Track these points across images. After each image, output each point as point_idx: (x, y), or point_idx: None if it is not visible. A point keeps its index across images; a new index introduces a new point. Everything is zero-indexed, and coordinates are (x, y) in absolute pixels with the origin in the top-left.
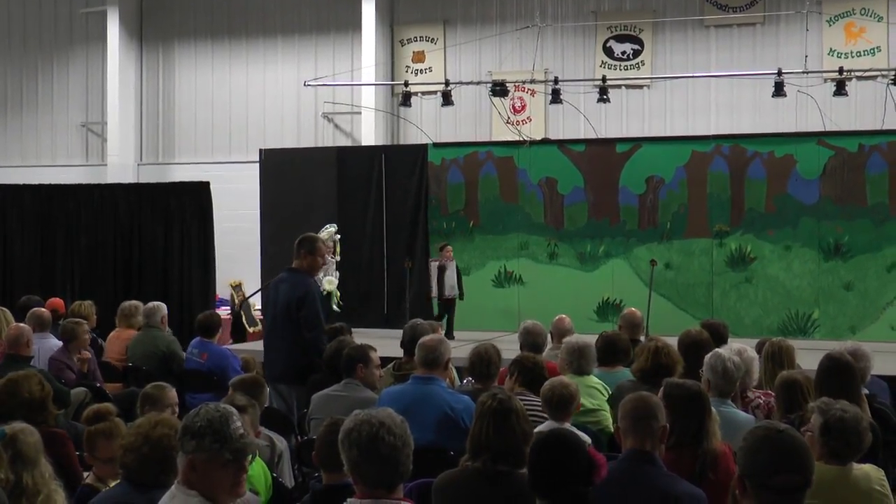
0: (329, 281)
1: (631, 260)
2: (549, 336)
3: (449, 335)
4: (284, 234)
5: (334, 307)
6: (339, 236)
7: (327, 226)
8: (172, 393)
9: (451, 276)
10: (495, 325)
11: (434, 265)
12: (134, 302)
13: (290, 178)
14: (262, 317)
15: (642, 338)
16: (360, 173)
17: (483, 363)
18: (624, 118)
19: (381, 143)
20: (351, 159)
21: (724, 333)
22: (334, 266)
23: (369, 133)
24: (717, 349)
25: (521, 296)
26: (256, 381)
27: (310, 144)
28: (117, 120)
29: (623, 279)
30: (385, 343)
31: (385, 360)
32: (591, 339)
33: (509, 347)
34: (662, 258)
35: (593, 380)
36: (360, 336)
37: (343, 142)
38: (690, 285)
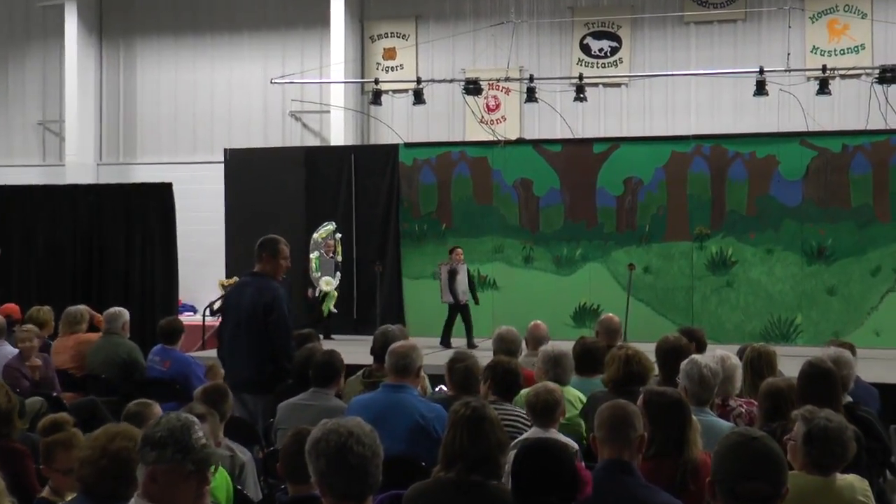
0: (327, 282)
1: (609, 264)
2: (523, 343)
3: (470, 344)
4: (250, 237)
5: (332, 309)
6: (339, 235)
7: (326, 223)
8: (157, 410)
9: (462, 281)
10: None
11: (444, 269)
12: (80, 307)
13: (256, 178)
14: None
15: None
16: (329, 174)
17: (460, 374)
18: (601, 117)
19: (350, 142)
20: (319, 159)
21: (704, 340)
22: (334, 266)
23: (338, 132)
24: (693, 355)
25: (496, 301)
26: (221, 390)
27: (277, 144)
28: (76, 118)
29: (600, 284)
30: (354, 350)
31: (354, 368)
32: (568, 346)
33: (483, 354)
34: (641, 262)
35: (570, 391)
36: (329, 343)
37: (311, 141)
38: (670, 290)
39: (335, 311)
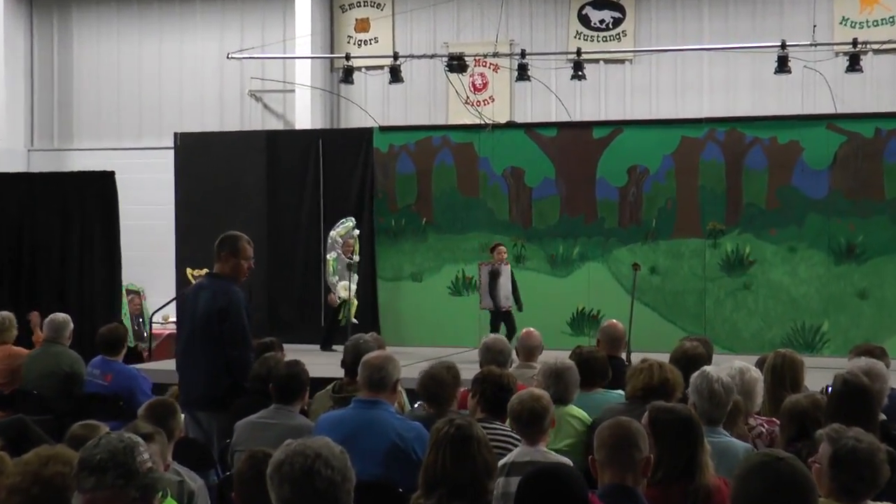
0: (344, 287)
1: (610, 263)
2: (514, 353)
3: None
4: (204, 234)
5: (353, 319)
6: (357, 232)
7: (344, 220)
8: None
9: (505, 284)
10: (452, 340)
11: (485, 270)
12: (6, 313)
13: (210, 167)
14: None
15: (623, 355)
16: (294, 161)
17: (434, 386)
18: (602, 98)
19: (318, 126)
20: (283, 145)
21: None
22: (353, 269)
23: (304, 114)
24: (705, 367)
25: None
26: (167, 406)
27: (234, 127)
28: (3, 98)
29: (601, 286)
30: (323, 361)
31: (322, 382)
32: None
33: (468, 366)
34: (647, 261)
35: (574, 410)
36: (294, 353)
37: (274, 124)
38: (679, 293)
39: (356, 321)
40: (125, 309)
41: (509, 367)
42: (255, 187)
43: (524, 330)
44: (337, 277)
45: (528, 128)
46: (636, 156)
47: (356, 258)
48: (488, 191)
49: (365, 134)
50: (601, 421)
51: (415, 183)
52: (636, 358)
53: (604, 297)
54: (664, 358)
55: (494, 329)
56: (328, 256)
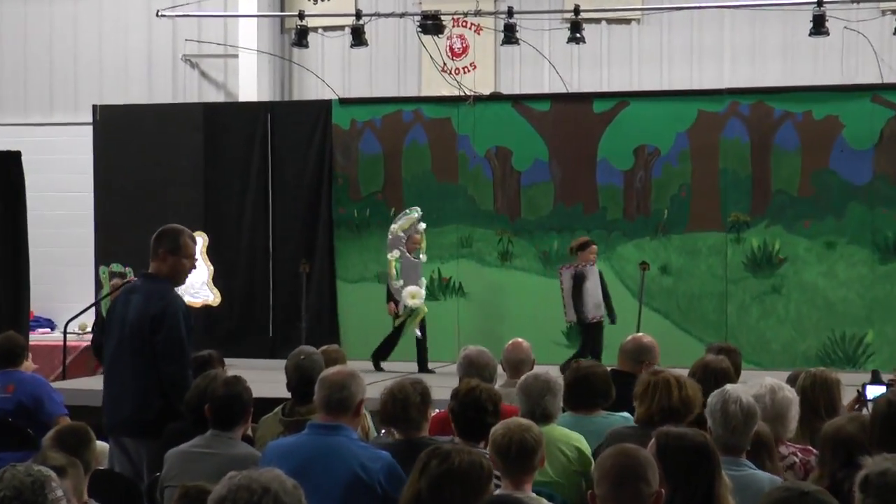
0: (413, 294)
1: (614, 262)
2: (499, 368)
3: None
4: (127, 225)
5: (417, 333)
6: (424, 226)
7: (408, 210)
8: None
9: (594, 289)
10: (428, 354)
11: (567, 274)
12: None
13: (136, 145)
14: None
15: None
16: (237, 140)
17: (397, 406)
18: (604, 65)
19: (265, 97)
20: (223, 120)
21: (738, 362)
22: (419, 269)
23: (249, 84)
24: (725, 386)
25: (462, 312)
26: (80, 433)
27: (166, 99)
28: None
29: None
30: (271, 378)
31: (271, 403)
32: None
33: (443, 385)
34: (657, 260)
35: (558, 432)
36: (237, 370)
37: (213, 96)
38: (696, 297)
39: (419, 334)
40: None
41: (494, 383)
42: (190, 170)
43: (510, 341)
44: (402, 282)
45: (517, 100)
46: (644, 134)
47: (423, 257)
48: (469, 175)
49: (322, 107)
50: (605, 448)
51: (381, 166)
52: None
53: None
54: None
55: (584, 348)
56: (389, 256)
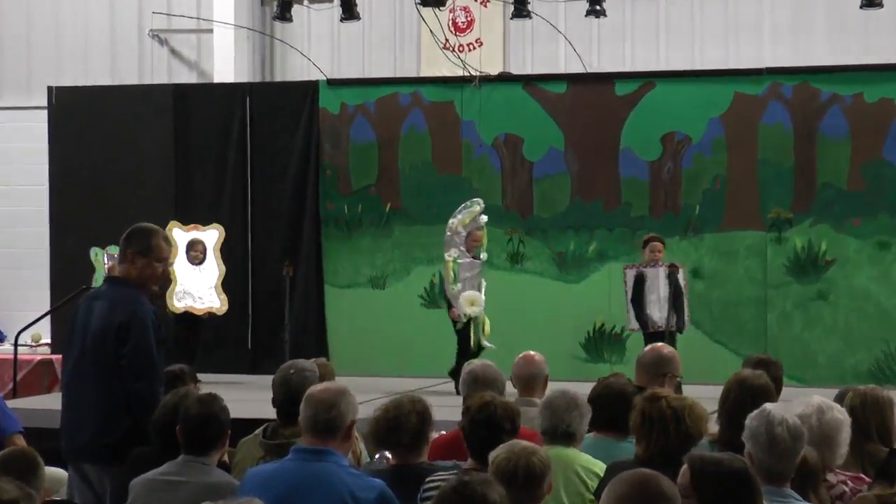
0: (471, 300)
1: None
2: (508, 385)
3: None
4: (87, 221)
5: (485, 343)
6: (485, 219)
7: (470, 202)
8: None
9: (655, 294)
10: (425, 367)
11: (630, 273)
12: None
13: (97, 131)
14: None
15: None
16: (211, 126)
17: (392, 428)
18: (628, 41)
19: (243, 78)
20: (196, 103)
21: (779, 377)
22: (479, 270)
23: (225, 63)
24: (766, 405)
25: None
26: (27, 458)
27: (130, 80)
28: None
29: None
30: (250, 396)
31: (250, 424)
32: (581, 389)
33: (446, 404)
34: (687, 262)
35: (583, 459)
36: (212, 387)
37: (184, 76)
38: (731, 304)
39: (490, 345)
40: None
41: None
42: (158, 161)
43: (521, 354)
44: (459, 286)
45: (528, 81)
46: (673, 119)
47: (484, 256)
48: (474, 166)
49: (308, 89)
50: (607, 481)
51: (375, 156)
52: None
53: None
54: (711, 392)
55: None
56: (447, 256)
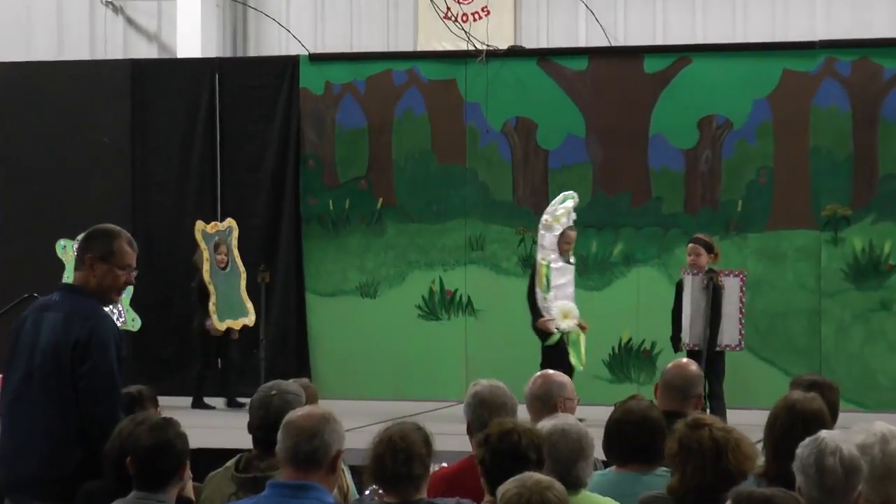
0: (566, 312)
1: (671, 268)
2: (521, 408)
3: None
4: (32, 216)
5: (577, 366)
6: (575, 216)
7: (563, 195)
8: None
9: (690, 305)
10: (424, 389)
11: (689, 279)
12: None
13: (43, 115)
14: None
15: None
16: (174, 108)
17: (399, 460)
18: (659, 10)
19: (212, 53)
20: (157, 81)
21: (835, 401)
22: (572, 276)
23: (191, 35)
24: (819, 433)
25: (472, 335)
26: None
27: (82, 55)
28: None
29: (656, 304)
30: (221, 422)
31: (221, 454)
32: (599, 414)
33: (447, 431)
34: (728, 266)
35: (591, 499)
36: (174, 412)
37: (143, 50)
38: (779, 315)
39: (580, 367)
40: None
41: None
42: (113, 148)
43: (538, 374)
44: (552, 294)
45: (543, 56)
46: (712, 101)
47: (573, 260)
48: (480, 155)
49: (287, 66)
50: None
51: (366, 143)
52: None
53: (661, 322)
54: (755, 418)
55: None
56: (540, 259)
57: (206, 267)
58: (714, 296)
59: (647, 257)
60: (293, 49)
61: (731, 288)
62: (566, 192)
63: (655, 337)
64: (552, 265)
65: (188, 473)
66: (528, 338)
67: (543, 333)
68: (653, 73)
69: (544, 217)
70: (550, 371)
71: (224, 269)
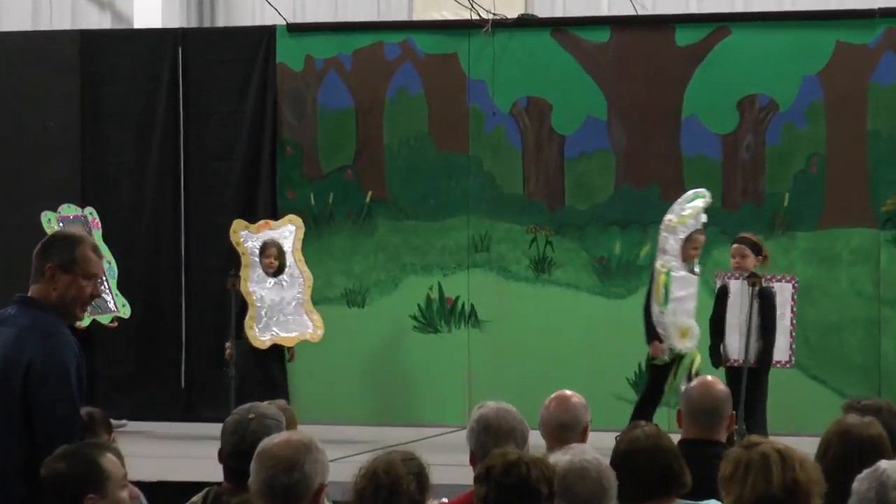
0: (684, 330)
1: (707, 273)
2: (531, 436)
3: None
4: None
5: (681, 385)
6: (705, 218)
7: (692, 192)
8: None
9: (733, 314)
10: (420, 413)
11: (719, 282)
12: None
13: None
14: None
15: (734, 438)
16: (131, 86)
17: (373, 496)
18: None
19: (174, 23)
20: (111, 57)
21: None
22: (695, 288)
23: (149, 2)
24: (879, 463)
25: (475, 350)
26: None
27: (23, 26)
28: None
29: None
30: (185, 452)
31: (186, 490)
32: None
33: (447, 461)
34: (774, 269)
35: None
36: (131, 438)
37: (94, 20)
38: (833, 327)
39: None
40: None
41: None
42: (60, 131)
43: (553, 395)
44: (671, 307)
45: (558, 27)
46: (754, 78)
47: (698, 269)
48: (485, 142)
49: (261, 38)
50: None
51: (353, 127)
52: None
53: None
54: (804, 446)
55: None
56: (659, 266)
57: (245, 274)
58: (766, 304)
59: None
60: (269, 19)
61: (783, 295)
62: (697, 190)
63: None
64: (673, 273)
65: None
66: (541, 353)
67: (653, 356)
68: (686, 46)
69: (668, 217)
70: (567, 391)
71: (275, 275)
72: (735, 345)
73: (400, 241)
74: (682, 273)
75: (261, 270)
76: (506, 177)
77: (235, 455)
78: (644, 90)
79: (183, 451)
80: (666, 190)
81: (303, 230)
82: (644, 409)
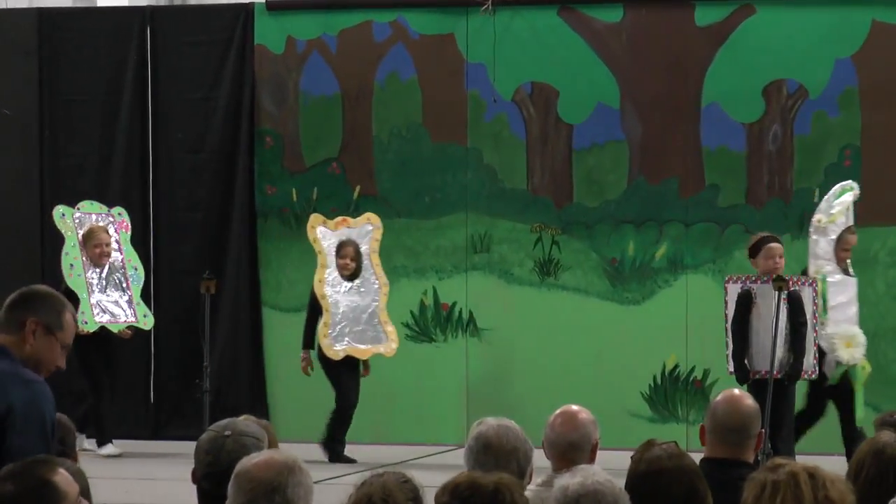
0: (849, 339)
1: (731, 274)
2: (535, 455)
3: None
4: None
5: (859, 414)
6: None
7: (840, 186)
8: None
9: (764, 322)
10: (414, 431)
11: (732, 289)
12: None
13: None
14: None
15: (759, 458)
16: (94, 70)
17: None
18: None
19: (142, 1)
20: (73, 37)
21: None
22: (853, 292)
23: None
24: None
25: (473, 361)
26: None
27: None
28: None
29: (711, 321)
30: (155, 472)
31: None
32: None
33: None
34: (799, 271)
35: None
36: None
37: None
38: (868, 335)
39: (860, 415)
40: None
41: (528, 480)
42: (16, 119)
43: (559, 411)
44: (830, 317)
45: (566, 5)
46: (781, 62)
47: (852, 271)
48: (485, 131)
49: (237, 17)
50: None
51: (339, 115)
52: None
53: (715, 344)
54: (834, 466)
55: (772, 433)
56: (813, 272)
57: (321, 275)
58: (795, 308)
59: (699, 261)
60: None
61: (805, 300)
62: (844, 183)
63: (709, 363)
64: (829, 279)
65: None
66: (546, 365)
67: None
68: (706, 26)
69: (816, 217)
70: (574, 406)
71: (351, 279)
72: (764, 354)
73: (391, 242)
74: (839, 277)
75: (336, 273)
76: (508, 170)
77: (210, 476)
78: (660, 75)
79: (152, 471)
80: (684, 185)
81: (381, 231)
82: (805, 423)
